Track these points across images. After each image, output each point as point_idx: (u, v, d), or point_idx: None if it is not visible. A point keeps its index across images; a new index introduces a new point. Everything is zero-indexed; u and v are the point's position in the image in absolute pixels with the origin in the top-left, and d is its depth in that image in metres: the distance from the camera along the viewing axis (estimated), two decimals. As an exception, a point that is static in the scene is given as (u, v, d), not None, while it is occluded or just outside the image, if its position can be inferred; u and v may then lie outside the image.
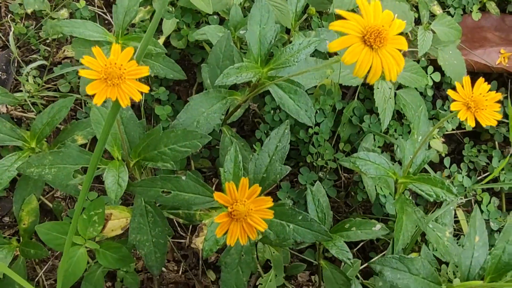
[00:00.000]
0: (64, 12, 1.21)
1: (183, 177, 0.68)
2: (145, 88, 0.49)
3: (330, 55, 1.02)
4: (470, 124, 0.59)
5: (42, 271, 0.93)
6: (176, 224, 0.95)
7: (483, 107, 0.57)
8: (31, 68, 1.15)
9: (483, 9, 1.33)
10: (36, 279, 0.92)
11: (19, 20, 1.22)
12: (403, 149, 0.78)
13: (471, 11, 1.29)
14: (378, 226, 0.73)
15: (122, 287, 0.92)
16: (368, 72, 0.52)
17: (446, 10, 1.28)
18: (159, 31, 1.07)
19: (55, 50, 1.22)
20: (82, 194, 0.56)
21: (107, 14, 1.21)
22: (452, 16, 1.27)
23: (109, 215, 0.79)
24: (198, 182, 0.69)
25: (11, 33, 1.16)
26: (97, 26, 0.89)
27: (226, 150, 0.83)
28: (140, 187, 0.68)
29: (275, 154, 0.75)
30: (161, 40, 1.03)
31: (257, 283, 0.81)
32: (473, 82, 0.63)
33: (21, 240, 0.80)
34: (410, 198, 0.78)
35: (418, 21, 1.22)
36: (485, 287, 0.60)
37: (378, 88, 0.97)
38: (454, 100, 0.62)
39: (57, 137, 0.84)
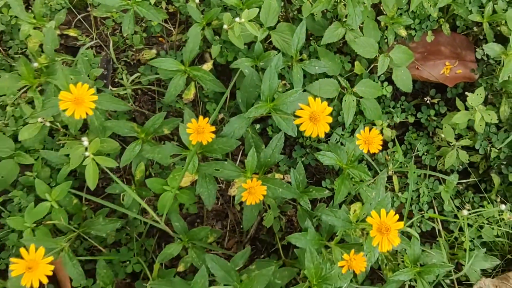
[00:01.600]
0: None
1: (225, 162, 1.32)
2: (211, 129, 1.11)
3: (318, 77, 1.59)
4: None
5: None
6: (220, 180, 1.61)
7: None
8: (122, 68, 1.77)
9: (439, 29, 1.83)
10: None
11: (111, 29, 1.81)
12: (347, 146, 1.39)
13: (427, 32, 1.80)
14: (327, 191, 1.36)
15: (187, 213, 1.60)
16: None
17: (409, 31, 1.79)
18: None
19: (137, 54, 1.82)
20: (185, 167, 1.21)
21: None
22: (413, 36, 1.79)
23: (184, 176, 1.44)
24: (233, 164, 1.33)
25: (111, 42, 1.75)
26: (174, 61, 1.49)
27: (249, 142, 1.46)
28: (203, 166, 1.32)
29: (275, 148, 1.37)
30: (210, 63, 1.61)
31: (263, 215, 1.47)
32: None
33: (135, 186, 1.47)
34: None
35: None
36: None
37: (345, 101, 1.56)
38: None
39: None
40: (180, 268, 1.43)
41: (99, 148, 1.37)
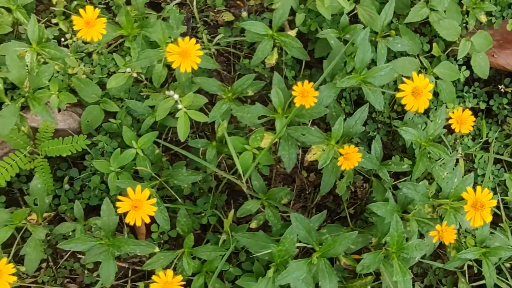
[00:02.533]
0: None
1: (312, 128, 1.37)
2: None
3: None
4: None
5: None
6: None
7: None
8: (201, 28, 1.80)
9: (519, 18, 1.82)
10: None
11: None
12: (429, 124, 1.43)
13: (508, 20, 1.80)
14: (406, 165, 1.41)
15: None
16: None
17: (489, 18, 1.79)
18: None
19: (217, 15, 1.85)
20: (278, 132, 1.26)
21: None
22: (493, 23, 1.79)
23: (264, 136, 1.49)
24: (319, 131, 1.37)
25: (194, 1, 1.78)
26: (263, 25, 1.52)
27: (331, 111, 1.50)
28: (290, 130, 1.37)
29: (358, 120, 1.41)
30: (294, 31, 1.64)
31: (336, 183, 1.52)
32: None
33: (216, 142, 1.53)
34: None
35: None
36: (449, 203, 1.28)
37: (425, 81, 1.58)
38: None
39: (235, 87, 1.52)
40: (253, 225, 1.50)
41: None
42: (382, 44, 1.55)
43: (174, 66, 1.24)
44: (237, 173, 1.46)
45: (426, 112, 1.71)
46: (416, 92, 1.12)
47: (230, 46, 1.81)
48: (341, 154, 1.23)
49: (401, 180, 1.53)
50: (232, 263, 1.52)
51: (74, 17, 1.24)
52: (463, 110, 1.32)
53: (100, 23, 1.24)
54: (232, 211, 1.53)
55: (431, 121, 1.41)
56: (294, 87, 1.18)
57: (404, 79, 1.15)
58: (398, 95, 1.16)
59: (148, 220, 1.15)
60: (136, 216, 1.14)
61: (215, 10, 1.84)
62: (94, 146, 1.58)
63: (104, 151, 1.57)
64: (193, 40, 1.24)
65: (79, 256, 1.59)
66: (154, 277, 1.17)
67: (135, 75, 1.54)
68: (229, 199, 1.66)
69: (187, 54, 1.22)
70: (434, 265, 1.50)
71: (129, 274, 1.59)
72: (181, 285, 1.17)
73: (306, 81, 1.18)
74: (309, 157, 1.49)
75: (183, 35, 1.77)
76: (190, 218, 1.45)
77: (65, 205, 1.57)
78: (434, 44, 1.71)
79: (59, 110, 1.60)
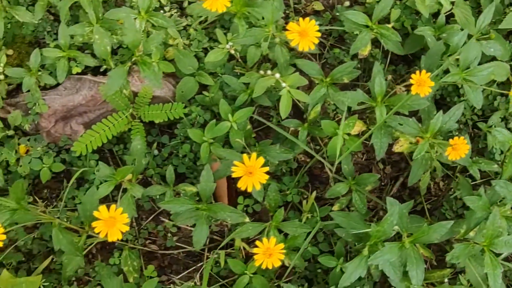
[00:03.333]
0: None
1: (410, 119, 1.41)
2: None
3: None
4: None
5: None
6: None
7: None
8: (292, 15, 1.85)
9: None
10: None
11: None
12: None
13: None
14: (496, 165, 1.45)
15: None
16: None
17: None
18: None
19: (308, 3, 1.90)
20: (380, 120, 1.31)
21: None
22: None
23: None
24: (416, 123, 1.42)
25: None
26: (365, 16, 1.57)
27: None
28: (388, 119, 1.41)
29: (452, 116, 1.45)
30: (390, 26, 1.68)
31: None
32: None
33: (308, 125, 1.57)
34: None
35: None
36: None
37: (514, 86, 1.62)
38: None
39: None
40: (335, 207, 1.55)
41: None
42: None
43: (292, 44, 1.29)
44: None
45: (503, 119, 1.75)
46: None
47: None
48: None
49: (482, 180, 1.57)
50: (310, 242, 1.56)
51: (203, -12, 1.29)
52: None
53: (226, -6, 1.29)
54: (314, 192, 1.58)
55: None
56: (412, 76, 1.22)
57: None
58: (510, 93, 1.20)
59: (258, 187, 1.20)
60: (249, 182, 1.19)
61: (308, -1, 1.89)
62: (186, 116, 1.63)
63: (196, 122, 1.63)
64: (313, 21, 1.29)
65: (162, 219, 1.65)
66: (257, 242, 1.22)
67: (232, 52, 1.60)
68: (306, 182, 1.71)
69: (306, 34, 1.27)
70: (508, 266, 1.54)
71: (207, 242, 1.64)
72: (282, 253, 1.22)
73: (424, 71, 1.22)
74: (396, 148, 1.53)
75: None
76: (278, 194, 1.49)
77: (153, 169, 1.63)
78: (521, 52, 1.74)
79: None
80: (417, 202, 1.68)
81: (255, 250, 1.22)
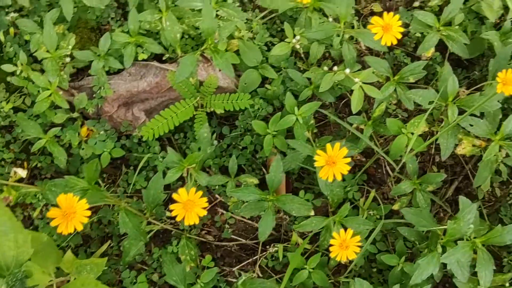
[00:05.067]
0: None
1: (481, 120, 1.41)
2: None
3: None
4: None
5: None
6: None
7: None
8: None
9: None
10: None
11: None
12: None
13: None
14: None
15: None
16: None
17: None
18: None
19: (368, 5, 1.91)
20: (451, 120, 1.31)
21: None
22: None
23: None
24: (487, 124, 1.42)
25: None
26: (434, 17, 1.57)
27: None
28: (459, 119, 1.42)
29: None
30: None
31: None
32: None
33: (372, 122, 1.57)
34: None
35: None
36: None
37: None
38: None
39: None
40: (395, 206, 1.54)
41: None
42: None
43: (375, 38, 1.29)
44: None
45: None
46: None
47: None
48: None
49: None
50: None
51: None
52: None
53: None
54: (373, 190, 1.57)
55: None
56: (499, 74, 1.22)
57: None
58: None
59: (339, 177, 1.20)
60: (330, 172, 1.19)
61: (367, 0, 1.90)
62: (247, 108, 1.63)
63: (258, 114, 1.63)
64: (397, 15, 1.29)
65: (219, 210, 1.64)
66: (334, 234, 1.21)
67: (297, 46, 1.60)
68: (364, 181, 1.71)
69: (390, 28, 1.27)
70: None
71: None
72: (359, 246, 1.21)
73: (510, 70, 1.22)
74: (459, 150, 1.53)
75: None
76: (342, 190, 1.49)
77: (211, 160, 1.63)
78: None
79: (219, 70, 1.66)
80: (474, 206, 1.67)
81: (331, 241, 1.21)
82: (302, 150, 1.39)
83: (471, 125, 1.42)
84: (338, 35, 1.48)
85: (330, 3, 1.53)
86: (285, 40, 1.60)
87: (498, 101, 1.47)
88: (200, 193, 1.18)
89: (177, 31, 1.53)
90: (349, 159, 1.20)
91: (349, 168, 1.20)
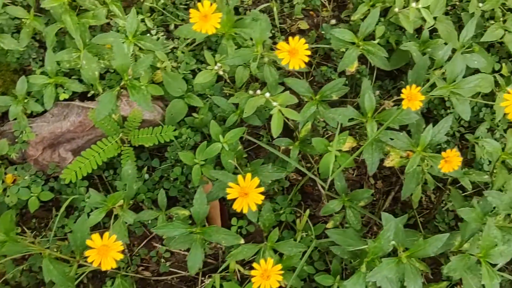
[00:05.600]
0: None
1: (400, 133, 1.42)
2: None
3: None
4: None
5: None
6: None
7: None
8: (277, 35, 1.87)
9: None
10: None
11: None
12: (508, 138, 1.48)
13: None
14: (487, 176, 1.46)
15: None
16: None
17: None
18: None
19: (293, 23, 1.92)
20: (370, 136, 1.31)
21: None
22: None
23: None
24: (407, 137, 1.43)
25: (274, 8, 1.85)
26: (351, 33, 1.58)
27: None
28: (379, 133, 1.42)
29: (441, 129, 1.46)
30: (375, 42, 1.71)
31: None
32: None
33: (299, 143, 1.57)
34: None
35: None
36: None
37: (499, 97, 1.65)
38: None
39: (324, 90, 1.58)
40: (329, 225, 1.54)
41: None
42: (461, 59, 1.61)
43: (283, 63, 1.29)
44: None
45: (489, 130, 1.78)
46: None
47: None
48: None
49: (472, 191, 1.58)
50: (305, 261, 1.55)
51: (192, 10, 1.29)
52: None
53: (216, 17, 1.29)
54: (308, 211, 1.57)
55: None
56: (403, 90, 1.23)
57: (509, 89, 1.21)
58: (502, 104, 1.21)
59: (254, 208, 1.19)
60: (244, 203, 1.18)
61: (293, 18, 1.91)
62: (176, 139, 1.62)
63: (186, 144, 1.62)
64: (303, 39, 1.30)
65: (155, 244, 1.62)
66: (254, 265, 1.20)
67: (221, 73, 1.60)
68: (299, 201, 1.70)
69: (296, 52, 1.27)
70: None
71: (201, 266, 1.61)
72: (280, 274, 1.20)
73: (414, 85, 1.24)
74: (387, 163, 1.54)
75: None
76: (272, 214, 1.48)
77: (144, 194, 1.61)
78: (503, 65, 1.78)
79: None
80: (410, 216, 1.68)
81: (252, 272, 1.20)
82: (224, 179, 1.38)
83: (392, 139, 1.43)
84: (255, 60, 1.48)
85: (247, 28, 1.53)
86: (207, 67, 1.60)
87: (417, 113, 1.48)
88: (114, 237, 1.16)
89: (95, 69, 1.51)
90: (262, 189, 1.20)
91: (262, 197, 1.19)
